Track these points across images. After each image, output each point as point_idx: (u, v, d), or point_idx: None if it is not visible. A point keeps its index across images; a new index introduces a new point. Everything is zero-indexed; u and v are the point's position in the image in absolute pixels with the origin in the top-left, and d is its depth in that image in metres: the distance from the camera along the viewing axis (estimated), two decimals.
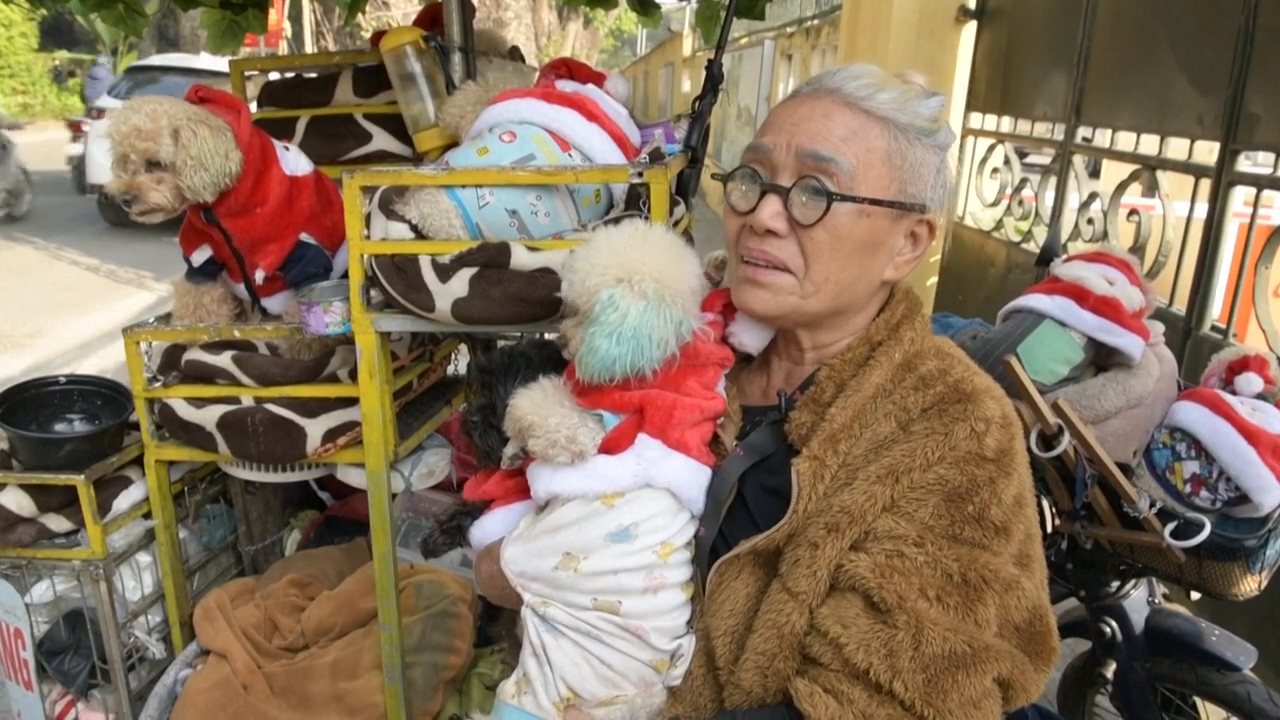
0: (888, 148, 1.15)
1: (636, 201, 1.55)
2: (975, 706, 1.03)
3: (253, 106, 2.29)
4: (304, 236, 1.90)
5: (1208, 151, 3.36)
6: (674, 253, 1.22)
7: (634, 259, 1.17)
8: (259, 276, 1.90)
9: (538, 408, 1.21)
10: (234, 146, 1.78)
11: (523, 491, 1.30)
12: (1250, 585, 1.84)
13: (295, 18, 17.38)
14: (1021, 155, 5.35)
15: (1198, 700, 2.11)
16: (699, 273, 1.26)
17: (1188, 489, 1.81)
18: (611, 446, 1.19)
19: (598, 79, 1.78)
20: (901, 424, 1.14)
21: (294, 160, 1.91)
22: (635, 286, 1.15)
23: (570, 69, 1.80)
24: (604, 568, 1.15)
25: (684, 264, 1.22)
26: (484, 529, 1.33)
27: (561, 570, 1.16)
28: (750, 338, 1.29)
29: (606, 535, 1.16)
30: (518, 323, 1.55)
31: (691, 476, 1.19)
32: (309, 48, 17.10)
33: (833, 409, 1.17)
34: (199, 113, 1.76)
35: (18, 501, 1.95)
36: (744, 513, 1.20)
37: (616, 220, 1.48)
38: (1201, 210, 3.32)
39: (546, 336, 1.51)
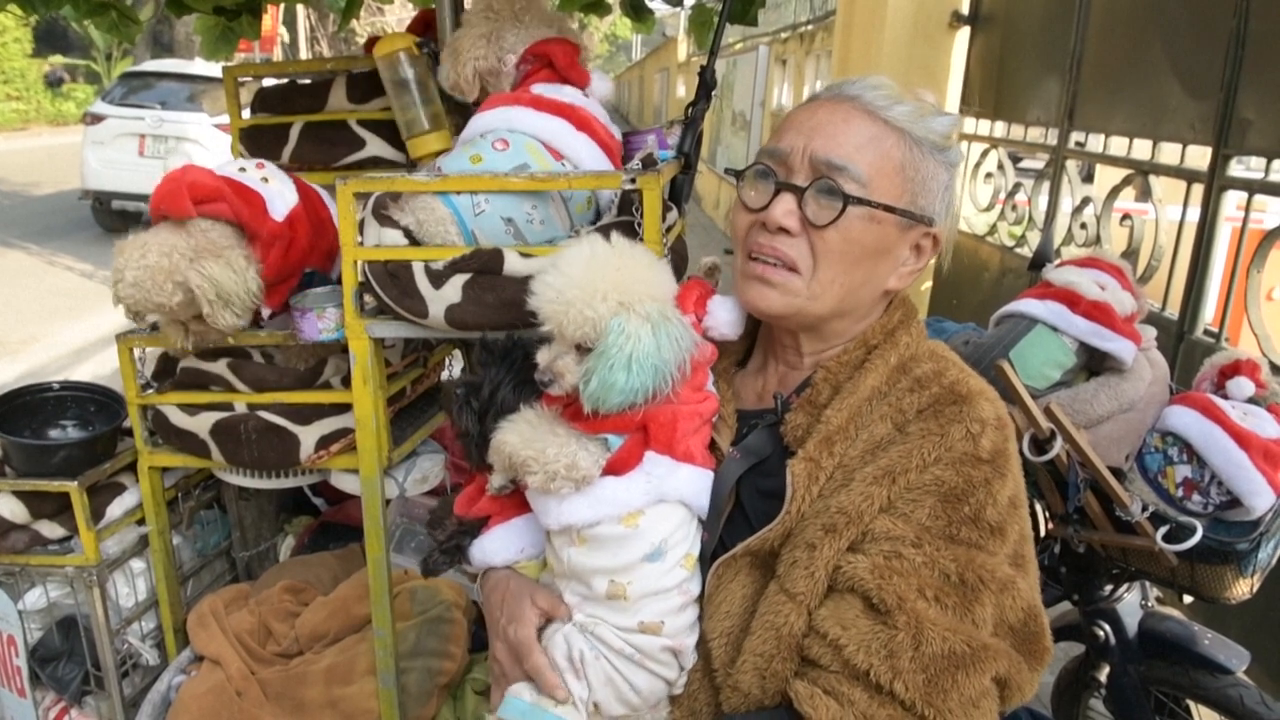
0: (903, 158, 1.17)
1: (629, 208, 1.56)
2: (974, 706, 1.04)
3: (246, 113, 2.30)
4: (305, 269, 1.88)
5: (1200, 156, 3.38)
6: (654, 265, 1.20)
7: (626, 280, 1.14)
8: (265, 313, 1.87)
9: (530, 442, 1.16)
10: (245, 263, 1.73)
11: (518, 506, 1.29)
12: (1242, 588, 1.85)
13: (289, 23, 17.41)
14: (1015, 160, 5.37)
15: (1191, 703, 2.12)
16: (673, 279, 1.25)
17: (1180, 493, 1.82)
18: (619, 467, 1.17)
19: (574, 57, 1.74)
20: (898, 425, 1.15)
21: (279, 195, 1.83)
22: (637, 309, 1.13)
23: (550, 57, 1.74)
24: (647, 589, 1.15)
25: (664, 275, 1.21)
26: (483, 548, 1.32)
27: (613, 599, 1.16)
28: (729, 327, 1.28)
29: (643, 556, 1.15)
30: (510, 329, 1.55)
31: (700, 484, 1.20)
32: (303, 53, 17.11)
33: (828, 411, 1.18)
34: (197, 246, 1.69)
35: (10, 508, 1.94)
36: (741, 516, 1.21)
37: (578, 235, 1.46)
38: (1194, 215, 3.33)
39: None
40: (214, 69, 10.36)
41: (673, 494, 1.17)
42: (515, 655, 1.21)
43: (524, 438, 1.18)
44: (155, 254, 1.66)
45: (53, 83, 25.59)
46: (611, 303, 1.12)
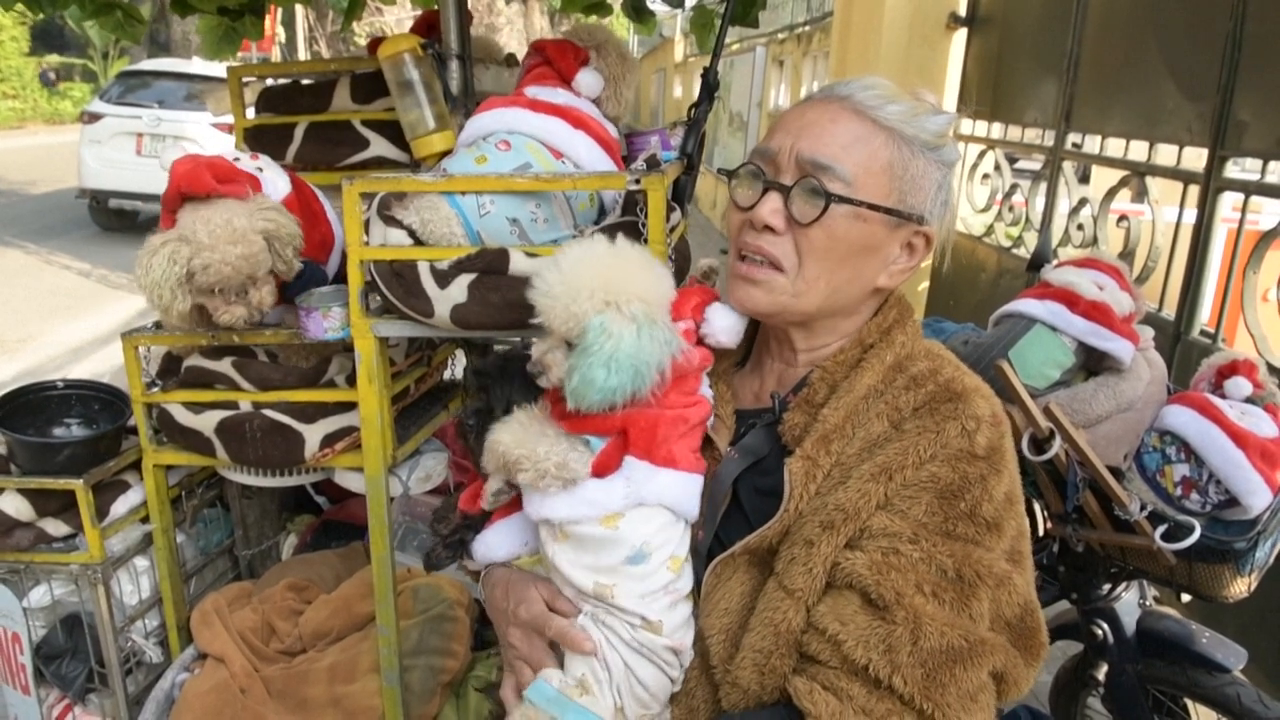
0: (890, 157, 1.18)
1: (633, 208, 1.57)
2: (972, 699, 1.05)
3: (250, 112, 2.30)
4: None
5: (1196, 157, 3.39)
6: (651, 268, 1.21)
7: (616, 279, 1.15)
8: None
9: (521, 441, 1.19)
10: (282, 206, 1.78)
11: (519, 502, 1.29)
12: (1240, 587, 1.86)
13: (288, 23, 17.38)
14: (1012, 161, 5.38)
15: (1189, 702, 2.12)
16: (672, 284, 1.26)
17: (1178, 492, 1.83)
18: (600, 470, 1.18)
19: (564, 50, 1.77)
20: (894, 423, 1.16)
21: (271, 184, 1.85)
22: (624, 309, 1.14)
23: (547, 55, 1.78)
24: (633, 591, 1.16)
25: (661, 278, 1.21)
26: (485, 543, 1.33)
27: (602, 600, 1.17)
28: (726, 335, 1.28)
29: (625, 559, 1.16)
30: (516, 329, 1.56)
31: (683, 489, 1.20)
32: (302, 53, 17.08)
33: (825, 410, 1.20)
34: (251, 206, 1.73)
35: (16, 506, 1.95)
36: (739, 515, 1.22)
37: (582, 234, 1.47)
38: (1190, 216, 3.34)
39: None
40: (211, 68, 10.35)
41: (652, 499, 1.17)
42: (534, 630, 1.22)
43: (516, 437, 1.20)
44: (220, 219, 1.67)
45: (46, 82, 25.54)
46: (597, 300, 1.13)
